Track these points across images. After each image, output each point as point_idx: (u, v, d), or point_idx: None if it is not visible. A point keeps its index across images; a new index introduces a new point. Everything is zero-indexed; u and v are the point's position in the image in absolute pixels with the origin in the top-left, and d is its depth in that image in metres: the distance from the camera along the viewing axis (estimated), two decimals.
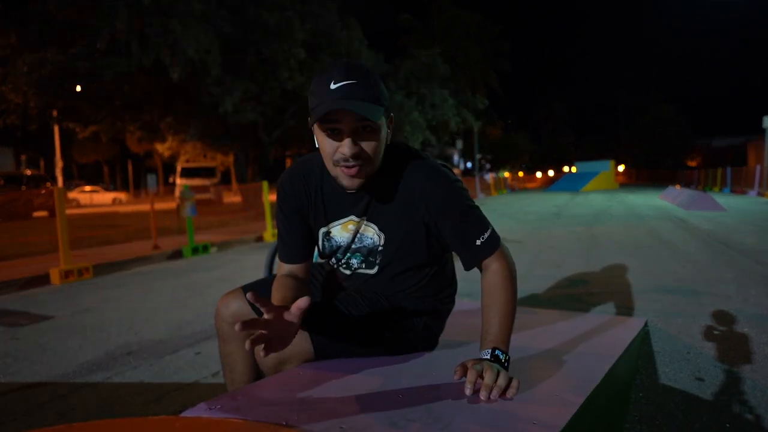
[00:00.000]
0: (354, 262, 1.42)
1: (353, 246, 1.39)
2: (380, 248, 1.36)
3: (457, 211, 1.28)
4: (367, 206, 1.32)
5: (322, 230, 1.40)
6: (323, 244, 1.42)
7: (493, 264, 1.29)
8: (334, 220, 1.37)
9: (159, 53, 10.99)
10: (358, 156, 1.16)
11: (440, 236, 1.33)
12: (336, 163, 1.19)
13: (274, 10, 12.66)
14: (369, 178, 1.24)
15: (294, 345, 1.22)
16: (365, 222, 1.35)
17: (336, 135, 1.16)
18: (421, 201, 1.28)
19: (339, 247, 1.40)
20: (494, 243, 1.30)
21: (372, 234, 1.35)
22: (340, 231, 1.38)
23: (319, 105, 1.13)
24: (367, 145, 1.17)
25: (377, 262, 1.39)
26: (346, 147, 1.15)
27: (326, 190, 1.35)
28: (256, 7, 12.59)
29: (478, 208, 1.33)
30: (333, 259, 1.46)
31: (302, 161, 1.41)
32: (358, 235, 1.37)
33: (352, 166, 1.17)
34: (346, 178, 1.20)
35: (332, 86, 1.12)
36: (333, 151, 1.17)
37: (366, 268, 1.41)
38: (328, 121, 1.13)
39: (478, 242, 1.28)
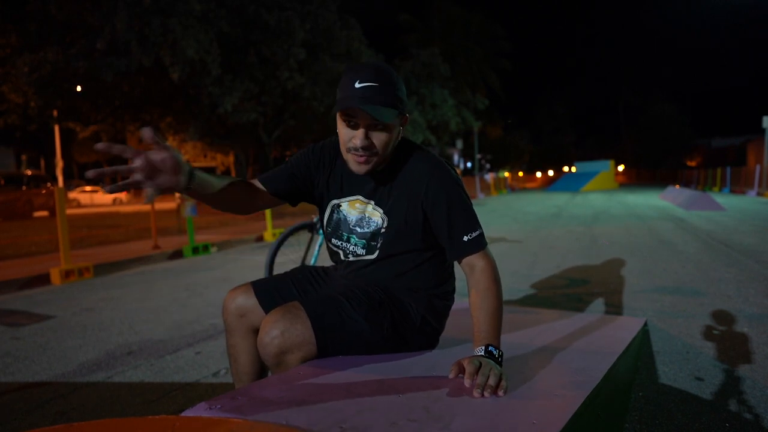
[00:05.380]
0: (357, 248, 1.50)
1: (359, 230, 1.48)
2: (382, 231, 1.45)
3: (451, 202, 1.39)
4: (375, 190, 1.45)
5: (334, 202, 1.52)
6: (331, 216, 1.53)
7: (478, 264, 1.37)
8: (346, 196, 1.50)
9: (159, 53, 10.97)
10: (368, 148, 1.32)
11: (432, 224, 1.42)
12: (348, 150, 1.35)
13: (274, 10, 12.65)
14: (376, 167, 1.38)
15: (297, 334, 1.30)
16: (373, 205, 1.46)
17: (353, 126, 1.32)
18: (421, 186, 1.40)
19: (344, 222, 1.50)
20: (480, 243, 1.39)
21: (377, 218, 1.46)
22: (348, 208, 1.50)
23: (342, 99, 1.30)
24: (378, 140, 1.33)
25: (378, 246, 1.46)
26: (358, 139, 1.31)
27: (347, 168, 1.47)
28: (256, 6, 12.57)
29: (472, 208, 1.41)
30: (336, 241, 1.53)
31: (337, 140, 1.51)
32: (365, 219, 1.47)
33: (361, 155, 1.33)
34: (354, 164, 1.36)
35: (357, 85, 1.28)
36: (348, 139, 1.34)
37: (367, 253, 1.49)
38: (347, 115, 1.31)
39: (465, 238, 1.37)
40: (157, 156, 1.04)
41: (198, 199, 1.29)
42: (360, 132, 1.31)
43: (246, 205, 1.47)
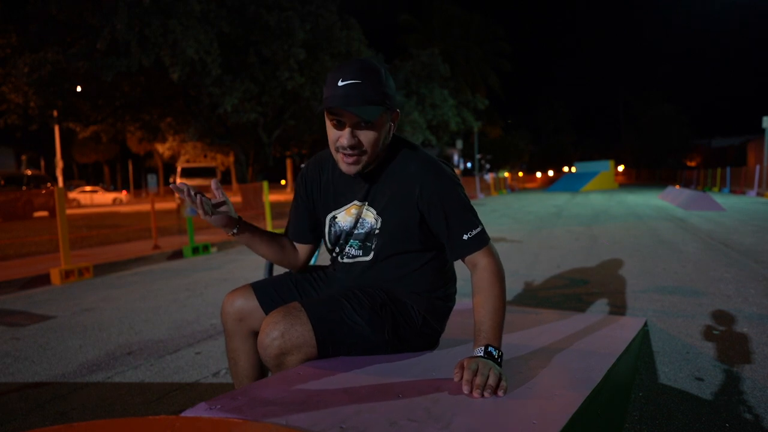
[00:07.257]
0: (352, 250, 1.49)
1: (355, 231, 1.47)
2: (377, 231, 1.44)
3: (448, 202, 1.37)
4: (368, 191, 1.43)
5: (329, 216, 1.52)
6: (329, 230, 1.52)
7: (481, 262, 1.36)
8: (341, 206, 1.49)
9: (159, 53, 10.97)
10: (356, 147, 1.31)
11: (430, 224, 1.41)
12: (337, 150, 1.34)
13: (274, 10, 12.64)
14: (367, 166, 1.36)
15: (297, 336, 1.29)
16: (366, 206, 1.44)
17: (339, 126, 1.30)
18: (416, 186, 1.38)
19: (342, 231, 1.49)
20: (482, 241, 1.37)
21: (371, 218, 1.44)
22: (344, 216, 1.48)
23: (326, 98, 1.28)
24: (365, 138, 1.31)
25: (372, 247, 1.46)
26: (345, 138, 1.29)
27: (336, 179, 1.49)
28: (256, 7, 12.57)
29: (470, 206, 1.40)
30: (336, 249, 1.53)
31: (321, 153, 1.57)
32: (360, 220, 1.46)
33: (350, 155, 1.32)
34: (344, 164, 1.34)
35: (340, 83, 1.26)
36: (336, 139, 1.32)
37: (363, 254, 1.48)
38: (333, 114, 1.29)
39: (465, 237, 1.36)
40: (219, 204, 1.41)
41: (249, 247, 1.53)
42: (346, 131, 1.29)
43: (292, 259, 1.60)
